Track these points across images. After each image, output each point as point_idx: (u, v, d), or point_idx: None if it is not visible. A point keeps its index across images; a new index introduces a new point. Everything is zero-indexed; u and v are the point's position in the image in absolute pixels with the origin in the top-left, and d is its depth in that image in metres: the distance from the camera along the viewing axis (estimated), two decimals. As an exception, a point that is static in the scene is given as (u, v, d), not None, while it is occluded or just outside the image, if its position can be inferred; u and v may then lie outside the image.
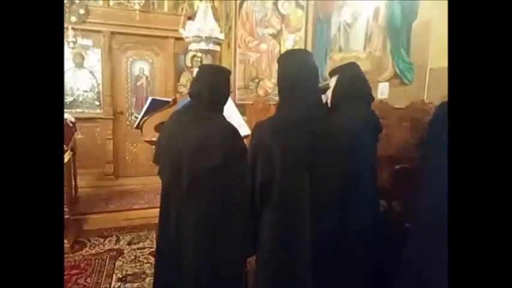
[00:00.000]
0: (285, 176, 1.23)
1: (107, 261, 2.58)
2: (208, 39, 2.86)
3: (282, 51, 4.00)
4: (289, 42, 3.89)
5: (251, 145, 1.31)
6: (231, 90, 1.56)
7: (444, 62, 2.10)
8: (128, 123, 4.87)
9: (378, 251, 1.58)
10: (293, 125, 1.24)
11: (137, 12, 4.41)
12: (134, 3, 4.46)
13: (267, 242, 1.31)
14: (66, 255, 2.56)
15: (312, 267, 1.25)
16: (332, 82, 1.71)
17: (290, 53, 1.43)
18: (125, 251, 2.77)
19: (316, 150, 1.24)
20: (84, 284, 2.26)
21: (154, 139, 1.65)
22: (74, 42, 4.24)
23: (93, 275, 2.37)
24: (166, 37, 4.79)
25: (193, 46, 2.93)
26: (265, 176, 1.25)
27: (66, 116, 3.16)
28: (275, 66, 4.07)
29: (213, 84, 1.47)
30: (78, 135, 3.72)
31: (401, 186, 2.07)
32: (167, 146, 1.47)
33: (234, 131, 1.45)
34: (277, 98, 4.35)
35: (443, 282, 1.03)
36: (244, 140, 1.57)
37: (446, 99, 1.35)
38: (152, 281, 1.71)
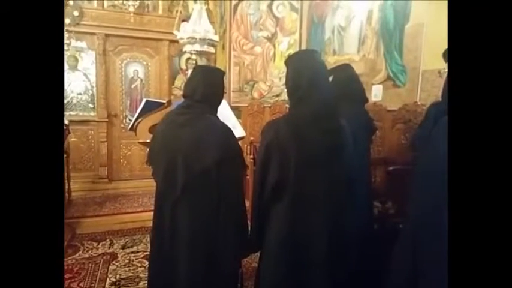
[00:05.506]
0: (301, 174, 1.23)
1: (101, 265, 2.55)
2: (203, 40, 2.86)
3: (277, 54, 4.03)
4: (284, 45, 3.91)
5: (263, 144, 1.29)
6: (225, 91, 1.56)
7: (436, 65, 2.13)
8: (122, 126, 4.83)
9: (372, 250, 1.59)
10: (308, 124, 1.24)
11: (132, 14, 4.41)
12: (129, 6, 4.45)
13: (278, 239, 1.28)
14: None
15: (327, 263, 1.23)
16: None
17: (299, 53, 1.44)
18: (119, 255, 2.73)
19: (330, 148, 1.25)
20: (77, 288, 2.23)
21: (148, 140, 1.64)
22: (68, 45, 4.21)
23: (87, 279, 2.34)
24: (161, 39, 4.78)
25: (187, 48, 2.93)
26: (281, 175, 1.23)
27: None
28: (270, 69, 4.13)
29: (207, 85, 1.47)
30: (71, 138, 3.69)
31: (395, 187, 2.08)
32: (160, 147, 1.46)
33: (228, 131, 1.45)
34: (271, 101, 4.36)
35: (436, 281, 1.04)
36: (239, 142, 1.57)
37: (439, 101, 1.37)
38: (146, 285, 1.69)
